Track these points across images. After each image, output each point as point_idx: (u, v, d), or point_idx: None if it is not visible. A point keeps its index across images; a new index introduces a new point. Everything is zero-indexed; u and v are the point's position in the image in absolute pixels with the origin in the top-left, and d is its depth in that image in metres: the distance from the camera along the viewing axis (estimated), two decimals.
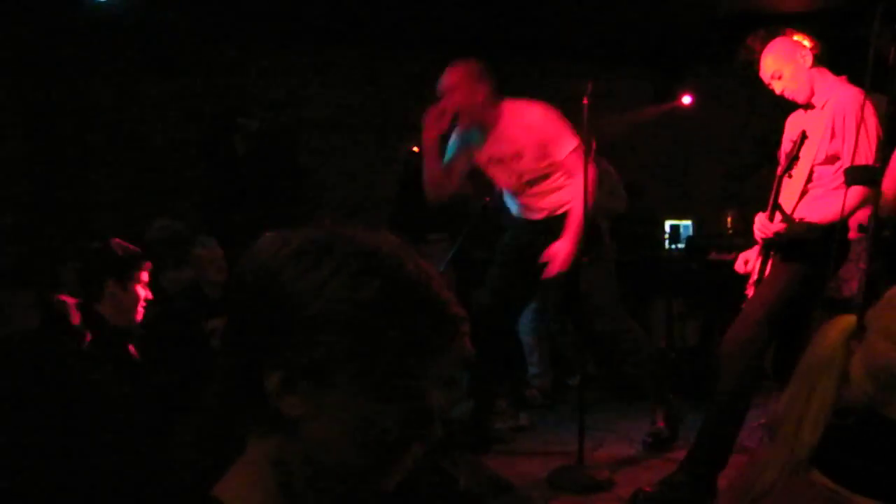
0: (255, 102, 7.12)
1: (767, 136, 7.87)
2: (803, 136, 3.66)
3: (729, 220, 7.24)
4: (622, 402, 5.76)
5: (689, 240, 7.26)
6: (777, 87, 3.86)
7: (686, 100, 8.28)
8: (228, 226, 5.81)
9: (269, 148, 6.62)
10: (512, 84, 4.93)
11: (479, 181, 5.12)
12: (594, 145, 4.63)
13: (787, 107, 4.07)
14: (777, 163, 3.92)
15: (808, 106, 3.88)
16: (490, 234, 6.01)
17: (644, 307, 6.89)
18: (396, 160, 6.85)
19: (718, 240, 7.08)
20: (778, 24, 4.00)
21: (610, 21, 7.21)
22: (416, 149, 5.78)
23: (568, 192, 4.63)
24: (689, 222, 7.60)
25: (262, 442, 1.07)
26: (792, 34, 3.87)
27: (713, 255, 6.80)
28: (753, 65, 3.89)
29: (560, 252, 4.54)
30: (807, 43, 3.84)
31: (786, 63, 3.81)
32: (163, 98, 7.21)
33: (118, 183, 7.07)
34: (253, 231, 4.01)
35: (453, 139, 4.78)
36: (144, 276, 3.71)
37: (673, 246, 7.52)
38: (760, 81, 3.94)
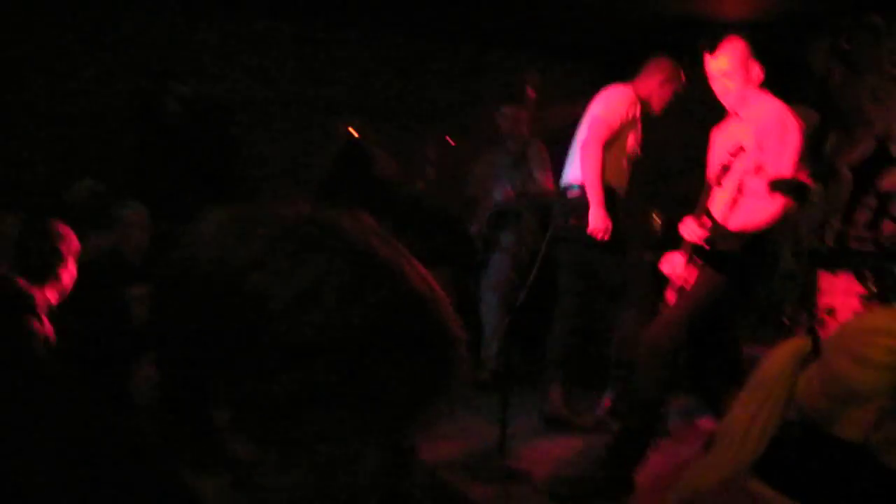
0: (188, 74, 6.97)
1: (697, 140, 8.01)
2: (739, 150, 3.74)
3: (656, 220, 7.32)
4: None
5: None
6: (720, 86, 3.92)
7: None
8: (159, 194, 5.69)
9: (202, 118, 6.48)
10: (460, 72, 4.96)
11: (412, 166, 5.11)
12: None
13: (718, 112, 4.15)
14: (704, 168, 4.02)
15: (731, 115, 3.98)
16: (419, 217, 5.99)
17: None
18: (331, 138, 6.76)
19: (646, 240, 7.14)
20: (721, 30, 4.07)
21: (558, 17, 7.21)
22: (352, 129, 5.76)
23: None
24: None
25: (201, 483, 0.84)
26: (746, 38, 3.93)
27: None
28: (707, 53, 3.94)
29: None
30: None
31: (739, 68, 3.88)
32: (99, 66, 7.00)
33: (48, 148, 6.90)
34: (184, 200, 3.93)
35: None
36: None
37: None
38: (694, 84, 4.04)
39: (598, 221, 4.78)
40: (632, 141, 5.17)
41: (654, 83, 5.09)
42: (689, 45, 4.53)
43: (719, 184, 3.87)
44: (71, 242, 3.76)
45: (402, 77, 8.09)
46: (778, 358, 1.72)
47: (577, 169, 5.01)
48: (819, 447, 1.61)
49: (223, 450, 0.81)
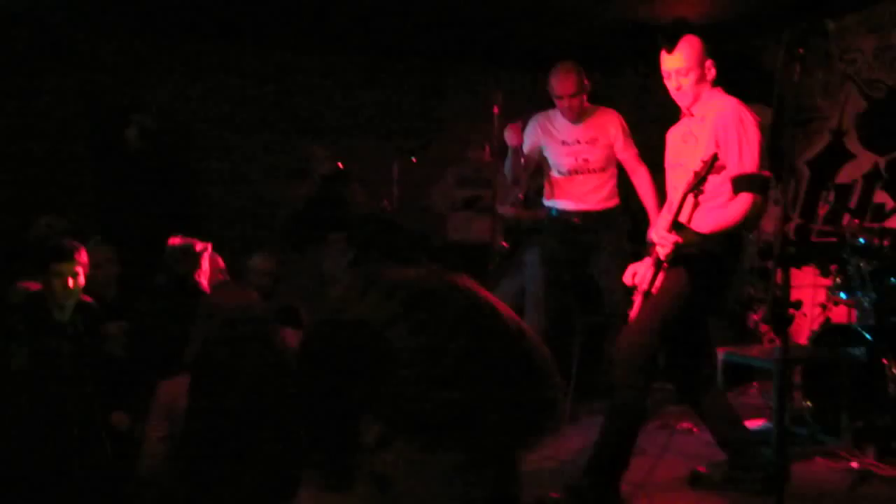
0: (149, 99, 6.91)
1: (656, 143, 8.09)
2: (714, 158, 3.75)
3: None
4: None
5: None
6: (674, 83, 3.96)
7: None
8: (121, 224, 5.65)
9: (165, 146, 6.45)
10: (422, 90, 4.99)
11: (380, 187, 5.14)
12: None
13: (673, 116, 4.19)
14: (661, 172, 4.04)
15: (683, 115, 4.02)
16: (387, 237, 6.01)
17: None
18: (299, 160, 6.75)
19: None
20: (678, 29, 4.10)
21: (517, 29, 7.26)
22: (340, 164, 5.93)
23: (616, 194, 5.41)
24: None
25: (322, 498, 1.03)
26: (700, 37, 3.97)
27: None
28: (664, 49, 3.97)
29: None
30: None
31: (694, 65, 3.91)
32: (57, 92, 6.95)
33: (6, 177, 6.79)
34: (147, 230, 3.91)
35: (531, 131, 5.32)
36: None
37: None
38: (650, 88, 4.05)
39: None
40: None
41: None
42: (647, 50, 4.58)
43: (695, 192, 3.85)
44: (82, 257, 4.08)
45: (362, 95, 8.09)
46: None
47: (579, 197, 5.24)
48: None
49: (366, 464, 1.00)
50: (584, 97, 5.16)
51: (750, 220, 3.90)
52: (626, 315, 4.62)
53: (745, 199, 3.76)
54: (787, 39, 3.33)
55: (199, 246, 4.85)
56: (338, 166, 6.38)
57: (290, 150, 7.24)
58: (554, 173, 5.33)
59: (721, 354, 5.16)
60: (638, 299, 4.00)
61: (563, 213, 5.32)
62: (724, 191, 3.85)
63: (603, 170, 5.23)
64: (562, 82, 5.09)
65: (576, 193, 5.27)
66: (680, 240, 3.80)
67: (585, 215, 5.26)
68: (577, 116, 5.17)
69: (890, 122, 6.48)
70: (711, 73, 3.94)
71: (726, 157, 3.80)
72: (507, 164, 5.41)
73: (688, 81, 3.94)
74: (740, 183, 3.78)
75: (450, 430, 0.98)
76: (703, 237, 3.82)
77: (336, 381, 1.01)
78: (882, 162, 6.56)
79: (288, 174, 6.75)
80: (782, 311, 3.24)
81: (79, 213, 6.20)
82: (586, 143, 5.21)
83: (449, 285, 1.04)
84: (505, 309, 1.05)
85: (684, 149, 4.04)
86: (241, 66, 7.71)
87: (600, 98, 7.32)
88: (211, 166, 7.42)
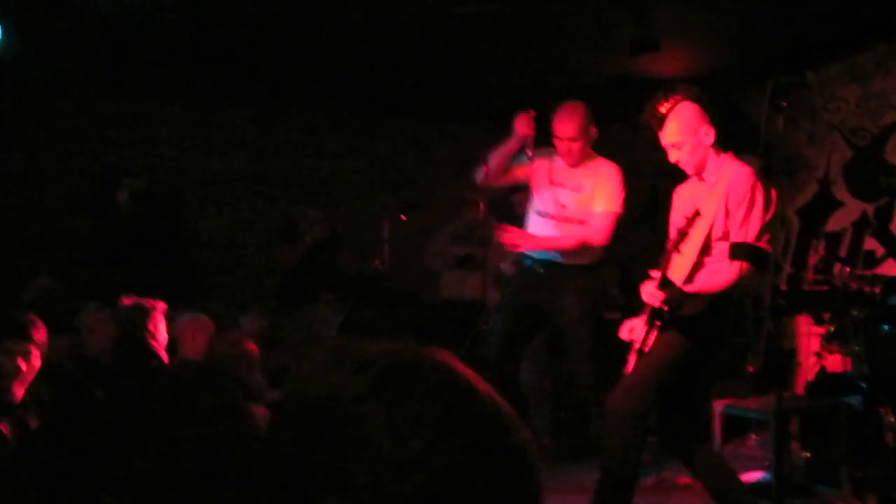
0: (137, 160, 6.94)
1: (645, 198, 8.13)
2: (696, 215, 3.76)
3: (612, 278, 7.37)
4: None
5: None
6: (673, 156, 3.96)
7: None
8: (114, 288, 5.63)
9: (156, 209, 6.46)
10: (411, 147, 5.01)
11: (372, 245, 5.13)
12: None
13: (664, 169, 4.19)
14: (657, 226, 4.04)
15: (695, 177, 4.01)
16: (379, 296, 6.00)
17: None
18: (291, 221, 6.77)
19: (602, 298, 7.19)
20: (657, 90, 4.12)
21: (503, 85, 7.32)
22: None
23: (591, 251, 5.00)
24: None
25: None
26: (695, 98, 3.97)
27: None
28: (654, 127, 3.98)
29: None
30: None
31: (688, 136, 3.91)
32: (47, 157, 6.97)
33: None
34: (140, 294, 3.86)
35: (534, 156, 5.07)
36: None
37: None
38: (639, 145, 4.05)
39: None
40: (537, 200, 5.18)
41: None
42: (631, 105, 4.61)
43: (677, 249, 3.86)
44: (40, 335, 3.49)
45: (352, 154, 8.14)
46: None
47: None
48: None
49: None
50: (585, 143, 4.90)
51: (744, 288, 3.90)
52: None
53: (735, 266, 3.76)
54: (769, 92, 3.36)
55: (148, 304, 4.69)
56: (329, 231, 6.39)
57: (282, 211, 7.25)
58: (532, 214, 5.12)
59: (718, 407, 5.13)
60: (632, 357, 3.99)
61: (534, 262, 5.10)
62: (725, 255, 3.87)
63: (581, 222, 4.91)
64: (563, 123, 4.87)
65: None
66: (665, 296, 3.80)
67: (550, 267, 5.01)
68: (576, 162, 4.96)
69: (876, 169, 6.52)
70: (710, 138, 3.93)
71: (732, 223, 3.81)
72: (497, 149, 5.13)
73: (678, 154, 3.95)
74: (736, 251, 3.78)
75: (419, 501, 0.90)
76: (692, 297, 3.82)
77: (302, 462, 0.94)
78: (870, 209, 6.59)
79: (280, 235, 6.75)
80: (777, 362, 3.24)
81: (71, 276, 6.20)
82: (571, 188, 4.97)
83: (423, 359, 0.98)
84: (482, 384, 0.99)
85: (685, 210, 4.05)
86: (231, 127, 7.76)
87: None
88: (202, 228, 7.42)
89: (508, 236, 4.92)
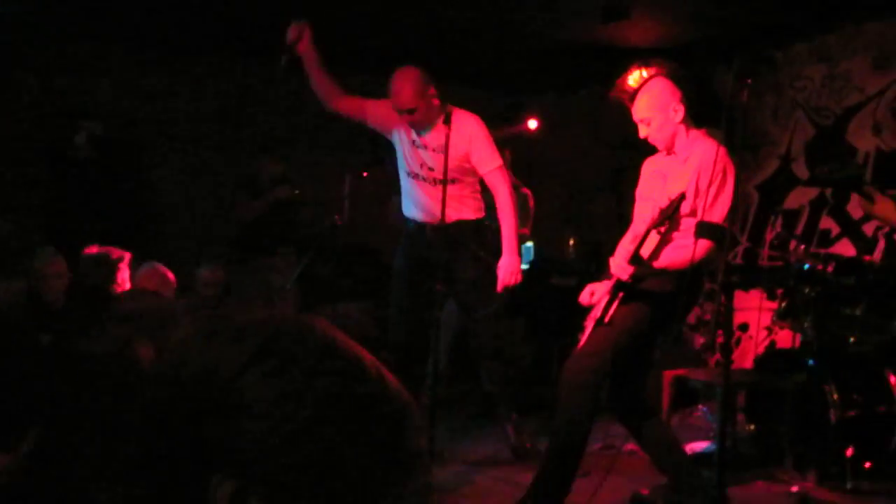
0: (99, 107, 6.82)
1: (609, 166, 8.17)
2: (681, 197, 3.78)
3: (571, 244, 7.42)
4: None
5: (531, 262, 7.37)
6: (642, 132, 3.98)
7: (532, 124, 8.45)
8: (69, 232, 5.55)
9: (113, 155, 6.36)
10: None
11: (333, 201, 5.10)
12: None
13: (629, 139, 4.20)
14: (617, 193, 4.05)
15: (666, 151, 4.03)
16: (337, 251, 5.97)
17: None
18: (250, 172, 6.68)
19: (560, 264, 7.23)
20: (625, 58, 4.13)
21: (470, 49, 7.28)
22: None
23: (472, 206, 4.90)
24: (530, 244, 7.73)
25: None
26: (669, 74, 3.97)
27: (554, 280, 6.96)
28: (625, 101, 3.99)
29: (507, 266, 4.76)
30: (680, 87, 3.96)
31: (657, 112, 3.92)
32: (5, 97, 6.82)
33: None
34: (95, 239, 3.81)
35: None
36: None
37: None
38: (605, 112, 4.05)
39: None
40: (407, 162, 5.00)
41: None
42: (600, 71, 4.63)
43: (658, 229, 3.86)
44: None
45: (315, 108, 8.05)
46: None
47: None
48: None
49: None
50: (426, 106, 4.70)
51: (705, 264, 3.93)
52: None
53: (702, 245, 3.78)
54: (736, 68, 3.37)
55: (115, 254, 4.67)
56: (292, 191, 6.32)
57: (242, 162, 7.17)
58: (401, 172, 5.02)
59: (668, 377, 5.20)
60: (589, 325, 4.02)
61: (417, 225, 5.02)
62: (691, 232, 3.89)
63: (452, 182, 4.71)
64: (396, 95, 4.71)
65: (423, 203, 4.94)
66: (633, 271, 3.83)
67: (435, 229, 4.83)
68: (426, 125, 4.79)
69: (836, 149, 6.58)
70: (679, 114, 3.93)
71: (701, 202, 3.82)
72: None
73: (647, 129, 3.96)
74: (703, 229, 3.80)
75: (308, 485, 0.89)
76: (660, 271, 3.86)
77: (187, 439, 0.90)
78: (828, 189, 6.66)
79: (238, 185, 6.68)
80: (726, 336, 3.28)
81: (27, 219, 6.11)
82: (432, 150, 4.80)
83: (304, 327, 0.96)
84: (364, 352, 0.98)
85: (655, 184, 4.07)
86: (192, 75, 7.62)
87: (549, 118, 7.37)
88: (160, 175, 7.32)
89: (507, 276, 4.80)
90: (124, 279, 4.70)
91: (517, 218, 4.88)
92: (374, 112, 4.96)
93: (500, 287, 4.74)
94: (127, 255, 4.76)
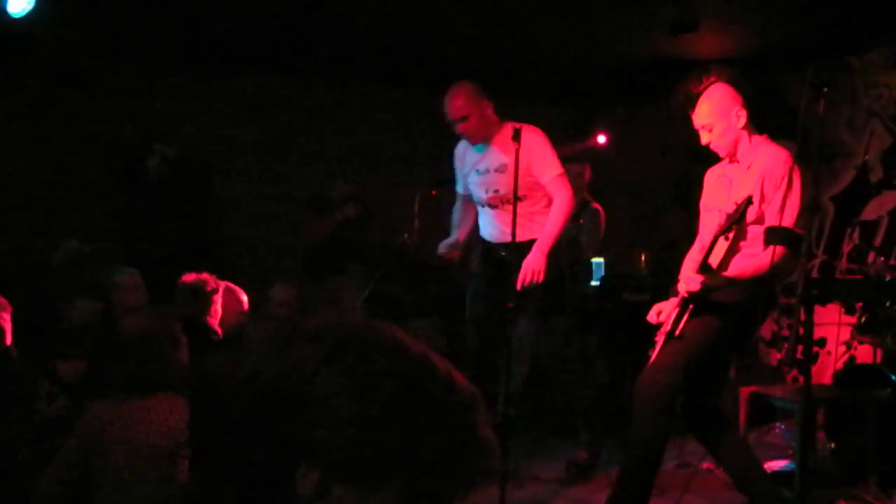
0: (169, 129, 6.94)
1: (679, 179, 8.07)
2: (748, 201, 3.71)
3: (642, 259, 7.33)
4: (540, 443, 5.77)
5: (602, 278, 7.31)
6: (704, 138, 3.92)
7: (601, 138, 8.39)
8: (142, 253, 5.65)
9: (185, 177, 6.46)
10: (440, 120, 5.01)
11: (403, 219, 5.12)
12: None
13: (698, 152, 4.13)
14: (688, 207, 3.98)
15: (727, 159, 3.96)
16: (406, 270, 5.98)
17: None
18: (321, 194, 6.75)
19: (632, 280, 7.15)
20: (695, 70, 4.07)
21: (537, 62, 7.26)
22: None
23: (543, 225, 4.81)
24: (601, 260, 7.64)
25: None
26: (729, 80, 3.91)
27: (626, 295, 6.88)
28: (687, 108, 3.94)
29: (528, 264, 4.65)
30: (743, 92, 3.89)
31: (719, 118, 3.86)
32: (80, 120, 6.98)
33: (30, 202, 6.81)
34: (167, 260, 3.88)
35: (461, 151, 5.11)
36: None
37: (587, 283, 7.56)
38: (674, 125, 3.99)
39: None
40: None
41: None
42: (669, 85, 4.54)
43: (726, 236, 3.79)
44: None
45: (387, 126, 8.11)
46: None
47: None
48: None
49: None
50: (480, 116, 4.81)
51: (779, 273, 3.85)
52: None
53: (774, 252, 3.69)
54: (811, 77, 3.29)
55: (210, 285, 4.75)
56: (360, 210, 6.39)
57: (314, 181, 7.23)
58: (478, 208, 5.12)
59: (745, 394, 5.09)
60: (660, 339, 3.96)
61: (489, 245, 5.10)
62: (760, 240, 3.81)
63: (521, 199, 4.64)
64: (448, 106, 4.83)
65: (496, 224, 4.98)
66: (705, 280, 3.75)
67: (508, 248, 4.66)
68: (481, 138, 4.90)
69: None
70: (741, 119, 3.87)
71: (768, 208, 3.75)
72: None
73: (709, 136, 3.91)
74: (773, 235, 3.71)
75: (385, 473, 0.97)
76: (731, 282, 3.78)
77: (271, 438, 1.00)
78: None
79: (307, 205, 6.74)
80: (806, 351, 3.19)
81: (104, 242, 6.22)
82: (495, 170, 4.88)
83: (373, 328, 1.05)
84: (430, 351, 1.06)
85: (720, 192, 4.00)
86: (266, 96, 7.73)
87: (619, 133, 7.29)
88: (232, 195, 7.42)
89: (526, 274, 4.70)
90: (216, 311, 4.76)
91: (563, 226, 4.81)
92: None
93: (518, 285, 4.59)
94: (222, 285, 4.83)
